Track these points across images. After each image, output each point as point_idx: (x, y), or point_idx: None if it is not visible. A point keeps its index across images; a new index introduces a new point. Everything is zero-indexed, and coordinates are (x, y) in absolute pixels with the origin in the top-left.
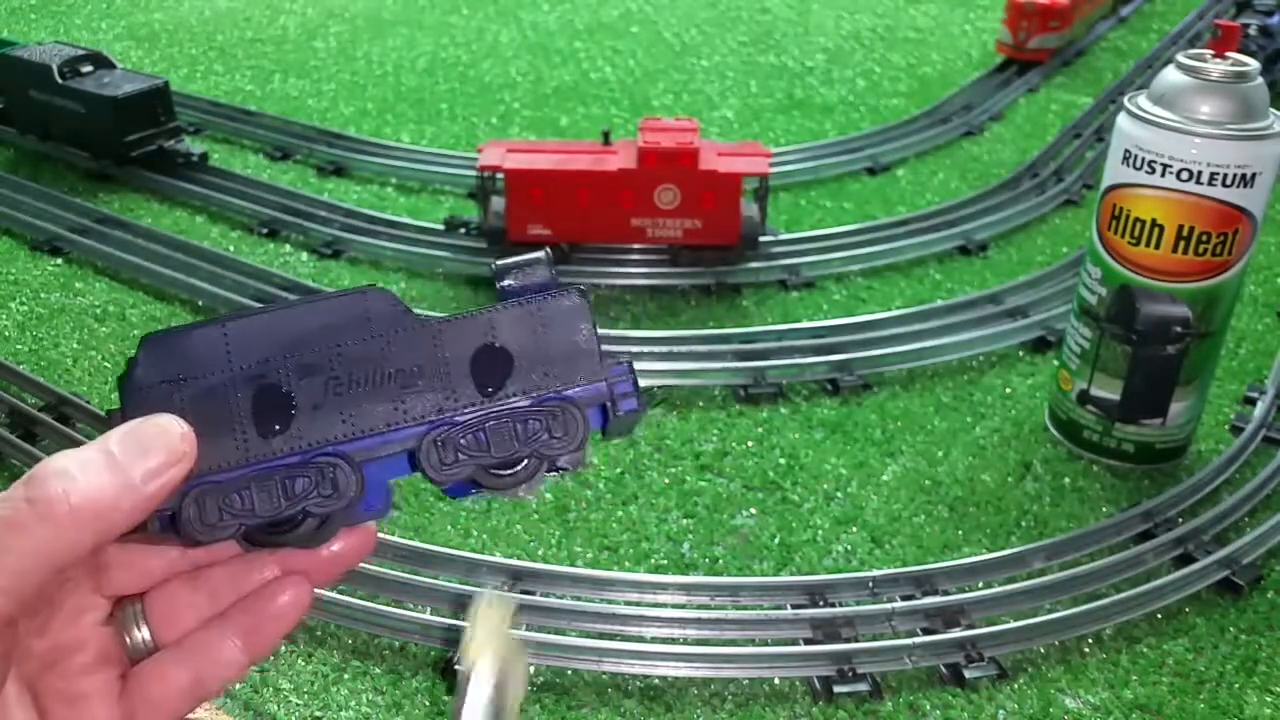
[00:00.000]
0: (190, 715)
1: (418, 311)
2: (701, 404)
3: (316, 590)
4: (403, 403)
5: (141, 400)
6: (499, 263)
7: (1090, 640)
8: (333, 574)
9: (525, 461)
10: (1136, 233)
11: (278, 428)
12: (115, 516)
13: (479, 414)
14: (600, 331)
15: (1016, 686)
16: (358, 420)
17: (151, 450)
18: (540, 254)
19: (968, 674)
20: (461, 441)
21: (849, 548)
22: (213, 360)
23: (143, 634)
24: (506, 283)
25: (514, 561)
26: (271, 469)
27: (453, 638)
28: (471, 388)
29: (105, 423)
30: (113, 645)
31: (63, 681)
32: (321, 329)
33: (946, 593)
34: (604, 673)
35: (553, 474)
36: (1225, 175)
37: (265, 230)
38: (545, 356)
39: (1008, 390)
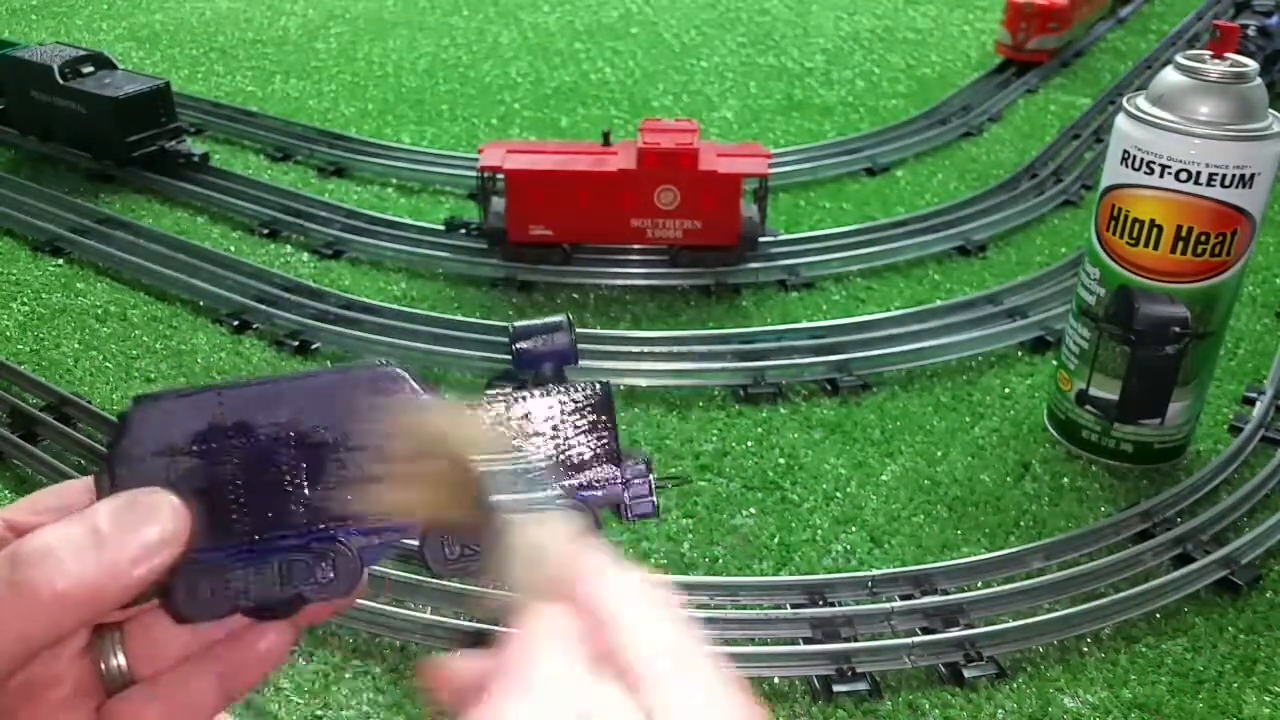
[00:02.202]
0: None
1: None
2: (701, 404)
3: None
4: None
5: (131, 471)
6: (517, 325)
7: (1089, 640)
8: (318, 619)
9: None
10: (1135, 233)
11: (276, 507)
12: (101, 601)
13: None
14: (600, 332)
15: (1015, 686)
16: (361, 505)
17: (141, 531)
18: (561, 319)
19: (967, 673)
20: (469, 535)
21: (848, 547)
22: (209, 431)
23: (118, 661)
24: (523, 346)
25: None
26: (268, 550)
27: (454, 637)
28: None
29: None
30: (90, 676)
31: (38, 715)
32: (327, 406)
33: (945, 592)
34: None
35: None
36: (1224, 176)
37: (266, 231)
38: (564, 452)
39: (1006, 390)
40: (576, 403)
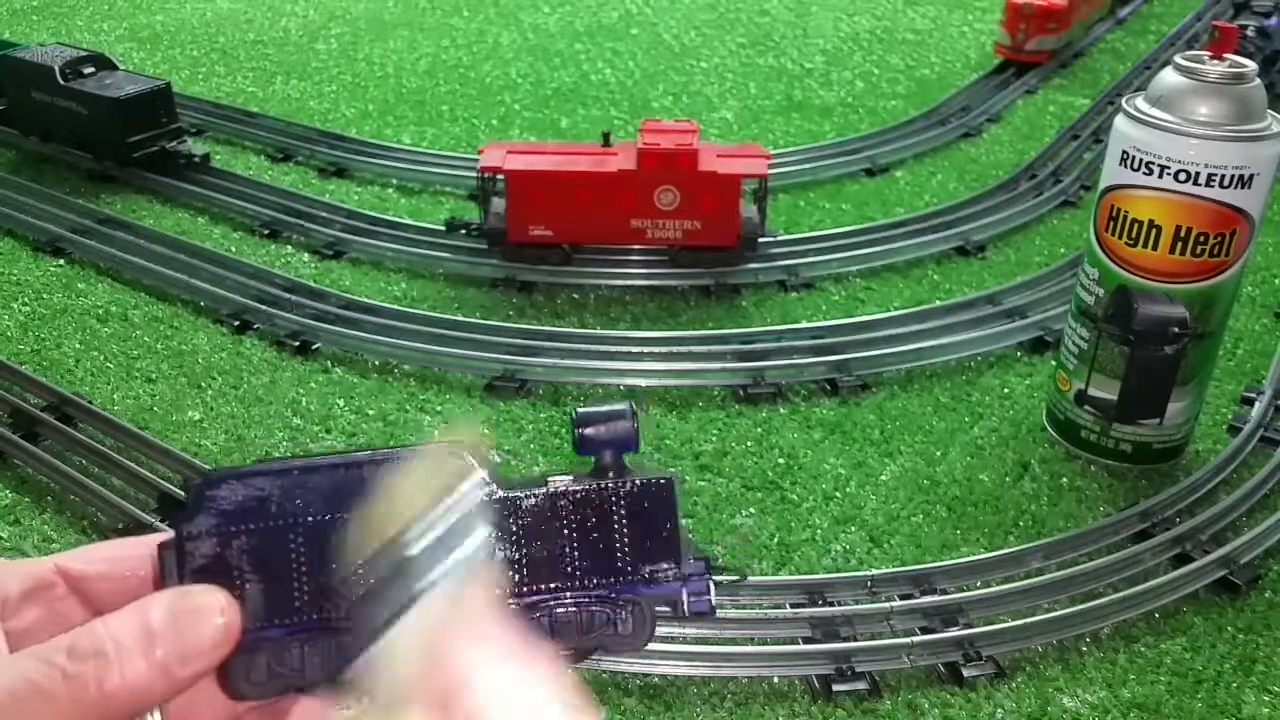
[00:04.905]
0: None
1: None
2: (701, 404)
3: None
4: None
5: (197, 548)
6: (581, 411)
7: (1088, 639)
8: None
9: (578, 650)
10: (1134, 234)
11: (336, 585)
12: (149, 699)
13: (548, 600)
14: (600, 332)
15: (1015, 685)
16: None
17: (192, 634)
18: (624, 406)
19: (966, 673)
20: (525, 625)
21: (848, 547)
22: (277, 508)
23: None
24: (585, 432)
25: None
26: (326, 628)
27: None
28: (544, 569)
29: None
30: None
31: None
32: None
33: (945, 592)
34: (604, 671)
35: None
36: (1223, 176)
37: (267, 231)
38: (625, 545)
39: (1005, 390)
40: (637, 494)
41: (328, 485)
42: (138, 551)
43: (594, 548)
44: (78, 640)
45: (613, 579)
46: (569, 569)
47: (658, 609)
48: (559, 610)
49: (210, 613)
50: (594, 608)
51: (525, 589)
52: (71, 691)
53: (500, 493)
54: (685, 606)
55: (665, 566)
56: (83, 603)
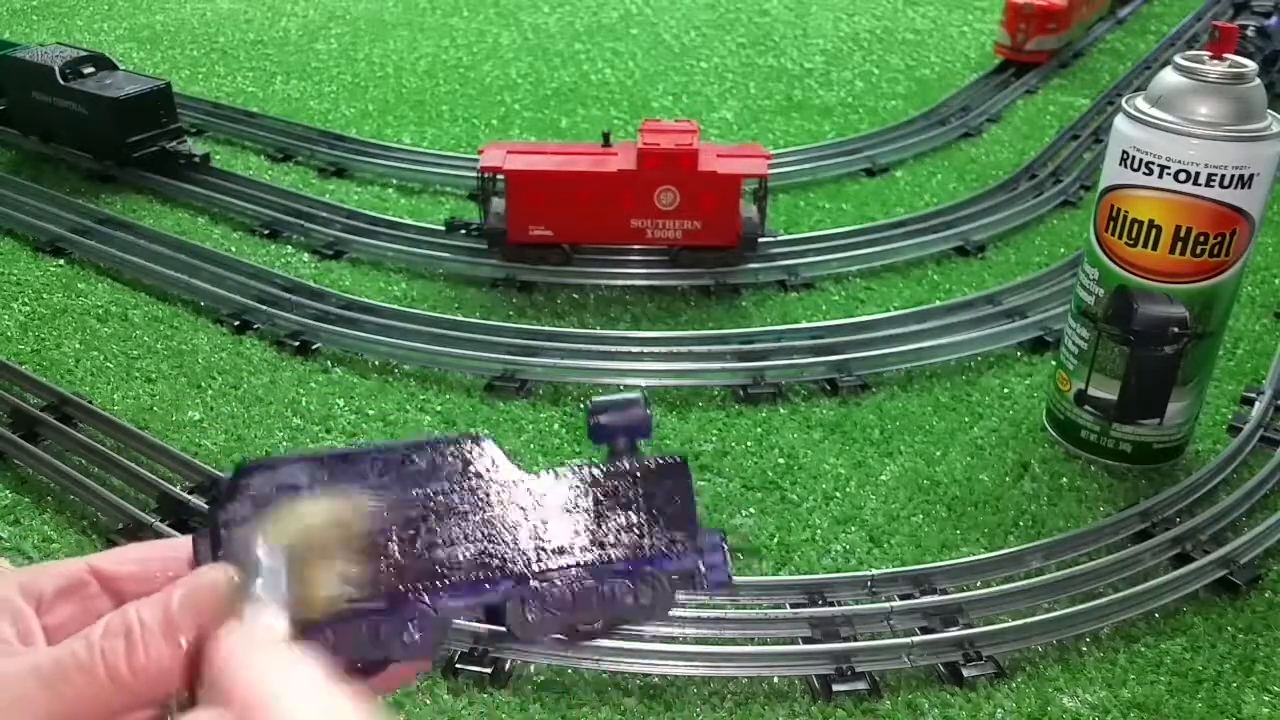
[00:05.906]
0: None
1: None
2: (701, 404)
3: None
4: (495, 557)
5: (231, 535)
6: (595, 400)
7: (1088, 639)
8: (394, 685)
9: (604, 622)
10: (1134, 234)
11: (368, 568)
12: (172, 679)
13: (569, 574)
14: (600, 332)
15: (1014, 685)
16: (448, 571)
17: (204, 614)
18: (636, 395)
19: (966, 673)
20: (548, 599)
21: (847, 547)
22: (309, 496)
23: None
24: (600, 420)
25: None
26: (357, 610)
27: (457, 638)
28: (566, 546)
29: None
30: None
31: None
32: (422, 475)
33: (945, 592)
34: (604, 671)
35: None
36: (1223, 176)
37: (267, 231)
38: (642, 520)
39: (1005, 390)
40: (652, 473)
41: (359, 474)
42: (168, 553)
43: (612, 524)
44: (111, 620)
45: (630, 553)
46: (588, 545)
47: (676, 580)
48: (579, 585)
49: (219, 585)
50: (614, 581)
51: (546, 566)
52: (108, 669)
53: (517, 474)
54: (703, 578)
55: (681, 539)
56: (115, 601)
